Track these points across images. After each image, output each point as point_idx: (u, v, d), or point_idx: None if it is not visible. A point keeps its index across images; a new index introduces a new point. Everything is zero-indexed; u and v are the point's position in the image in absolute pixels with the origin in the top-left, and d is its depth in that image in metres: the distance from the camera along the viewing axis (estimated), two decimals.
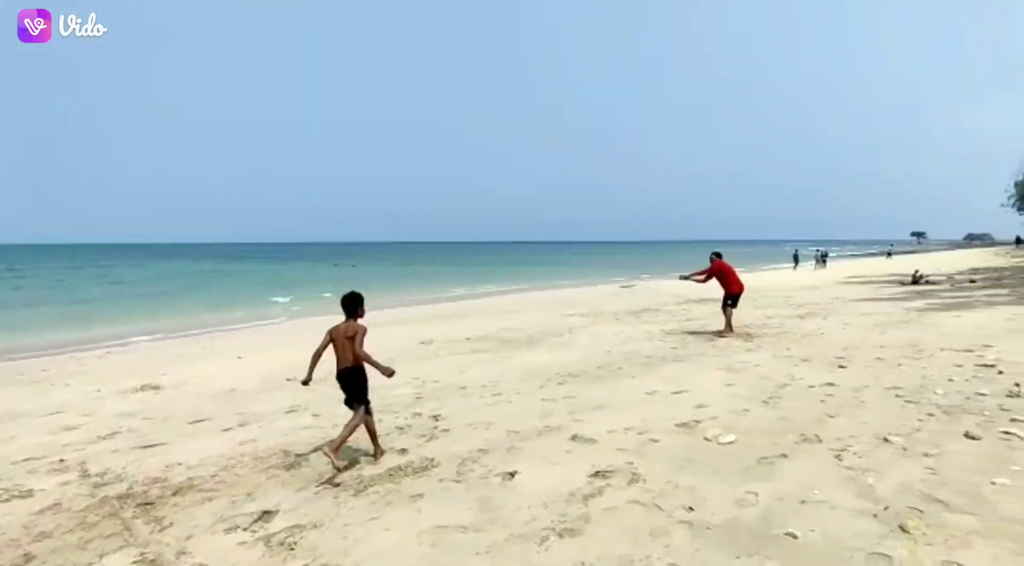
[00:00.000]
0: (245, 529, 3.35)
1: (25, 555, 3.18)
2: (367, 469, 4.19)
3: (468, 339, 10.55)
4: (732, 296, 9.60)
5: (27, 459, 4.84)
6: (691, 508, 3.30)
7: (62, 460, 4.78)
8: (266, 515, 3.51)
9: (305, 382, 4.37)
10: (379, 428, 4.60)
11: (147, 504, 3.77)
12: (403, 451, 4.52)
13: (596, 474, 3.85)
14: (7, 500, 3.98)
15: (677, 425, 4.80)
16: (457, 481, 3.89)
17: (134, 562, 3.05)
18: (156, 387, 7.55)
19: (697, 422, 4.85)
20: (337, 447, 4.05)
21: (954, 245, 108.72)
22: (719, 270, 9.74)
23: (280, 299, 23.38)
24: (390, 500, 3.64)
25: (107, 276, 42.61)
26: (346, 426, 4.18)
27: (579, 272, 39.20)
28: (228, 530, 3.35)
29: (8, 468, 4.66)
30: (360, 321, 4.30)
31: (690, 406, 5.33)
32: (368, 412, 4.33)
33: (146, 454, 4.83)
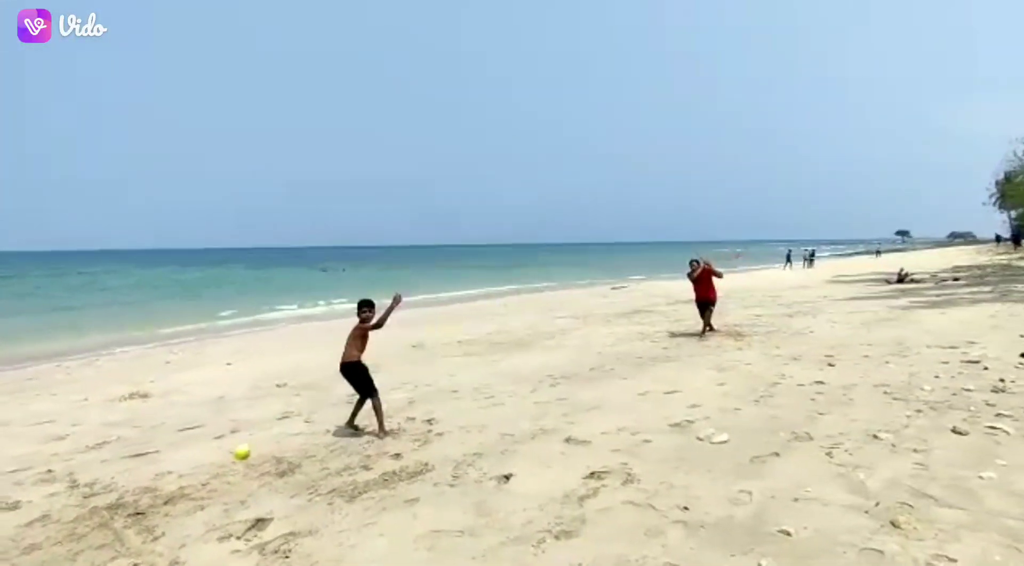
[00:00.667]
0: (238, 537, 3.32)
1: None
2: (361, 475, 4.17)
3: (459, 342, 10.54)
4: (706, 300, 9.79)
5: (13, 470, 4.76)
6: (685, 507, 3.33)
7: (50, 470, 4.71)
8: (260, 523, 3.48)
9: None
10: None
11: (138, 514, 3.73)
12: (397, 455, 4.51)
13: (590, 475, 3.87)
14: None
15: (670, 425, 4.83)
16: (452, 485, 3.89)
17: None
18: (145, 395, 7.45)
19: (690, 422, 4.89)
20: (382, 427, 5.03)
21: (938, 243, 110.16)
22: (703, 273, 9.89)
23: (285, 307, 22.81)
24: (385, 505, 3.63)
25: (93, 283, 42.01)
26: (376, 413, 5.06)
27: (568, 274, 39.24)
28: (221, 539, 3.32)
29: None
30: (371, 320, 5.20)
31: (682, 406, 5.37)
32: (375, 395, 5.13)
33: (136, 463, 4.77)
